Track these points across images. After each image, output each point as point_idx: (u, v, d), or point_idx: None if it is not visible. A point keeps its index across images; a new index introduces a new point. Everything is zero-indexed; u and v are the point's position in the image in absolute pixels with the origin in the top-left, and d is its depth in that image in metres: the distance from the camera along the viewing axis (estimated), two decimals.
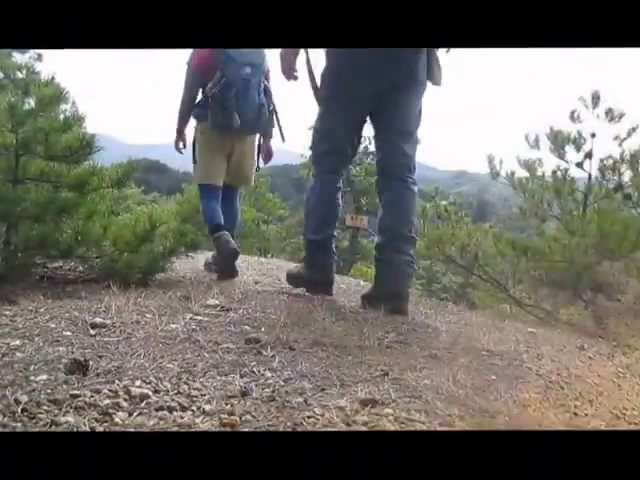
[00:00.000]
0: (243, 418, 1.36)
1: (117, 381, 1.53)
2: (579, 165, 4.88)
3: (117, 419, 1.32)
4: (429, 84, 2.51)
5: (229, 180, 3.70)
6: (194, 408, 1.41)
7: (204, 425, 1.32)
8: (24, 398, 1.36)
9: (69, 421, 1.28)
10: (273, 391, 1.56)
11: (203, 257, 5.58)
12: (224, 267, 3.58)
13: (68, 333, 2.03)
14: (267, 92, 3.24)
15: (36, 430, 1.24)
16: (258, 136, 3.58)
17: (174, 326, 2.22)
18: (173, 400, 1.44)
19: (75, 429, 1.26)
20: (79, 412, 1.34)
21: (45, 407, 1.34)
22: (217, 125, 3.28)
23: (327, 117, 2.55)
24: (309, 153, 15.79)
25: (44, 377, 1.53)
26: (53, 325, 2.14)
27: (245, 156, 3.61)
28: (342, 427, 1.36)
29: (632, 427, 1.53)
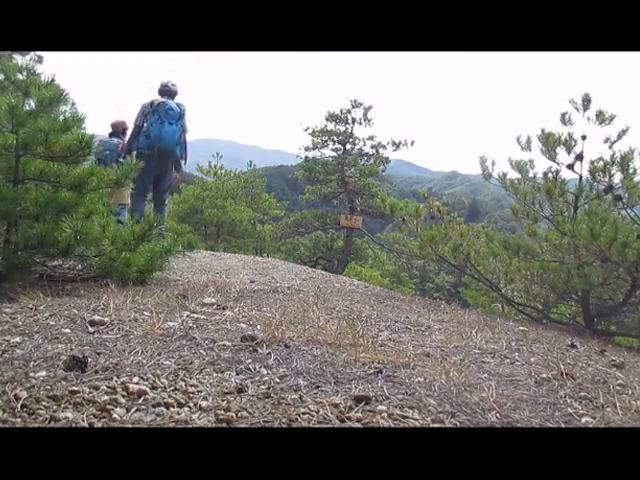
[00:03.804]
0: (239, 414, 1.39)
1: (115, 378, 1.56)
2: (570, 167, 4.90)
3: (115, 415, 1.34)
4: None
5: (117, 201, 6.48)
6: (191, 404, 1.44)
7: (200, 421, 1.34)
8: (24, 394, 1.39)
9: (68, 417, 1.30)
10: (268, 388, 1.59)
11: (200, 256, 5.60)
12: None
13: (67, 330, 2.05)
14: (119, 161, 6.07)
15: (35, 426, 1.26)
16: None
17: (171, 324, 2.25)
18: (170, 397, 1.47)
19: (74, 425, 1.28)
20: (78, 408, 1.36)
21: (44, 403, 1.36)
22: None
23: (139, 182, 5.18)
24: (304, 154, 15.86)
25: (43, 373, 1.55)
26: (52, 322, 2.16)
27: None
28: (336, 423, 1.38)
29: (624, 424, 1.56)
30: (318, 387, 1.62)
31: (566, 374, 2.03)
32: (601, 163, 4.71)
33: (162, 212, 5.72)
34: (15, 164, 3.18)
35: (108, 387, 1.48)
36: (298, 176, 17.02)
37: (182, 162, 5.55)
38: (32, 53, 9.91)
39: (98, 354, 1.77)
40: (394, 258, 19.07)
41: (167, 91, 5.18)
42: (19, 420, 1.28)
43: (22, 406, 1.33)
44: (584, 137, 4.87)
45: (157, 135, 4.97)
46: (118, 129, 6.95)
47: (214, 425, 1.33)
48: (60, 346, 1.84)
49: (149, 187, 5.49)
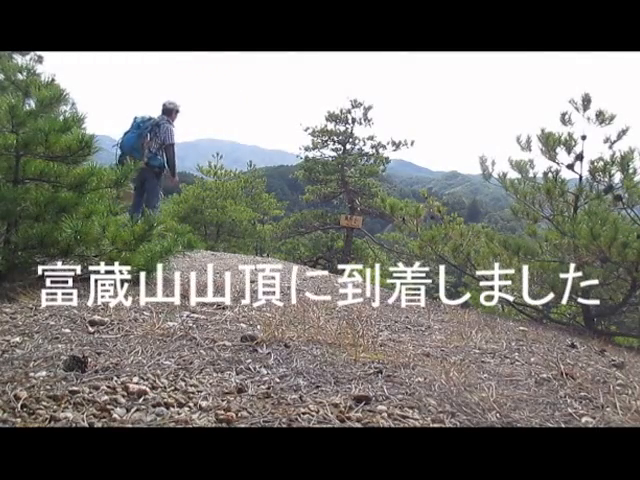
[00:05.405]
0: (239, 414, 1.39)
1: (115, 378, 1.56)
2: (570, 167, 4.90)
3: (115, 415, 1.34)
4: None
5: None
6: (191, 404, 1.44)
7: (200, 421, 1.35)
8: (24, 394, 1.39)
9: (68, 417, 1.31)
10: (268, 388, 1.59)
11: (200, 256, 5.60)
12: None
13: (67, 330, 2.06)
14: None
15: (35, 426, 1.27)
16: None
17: (171, 324, 2.25)
18: (170, 397, 1.47)
19: (74, 425, 1.28)
20: (78, 408, 1.36)
21: (44, 403, 1.37)
22: None
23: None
24: (304, 154, 15.95)
25: (43, 373, 1.55)
26: (52, 322, 2.17)
27: None
28: (336, 423, 1.38)
29: (623, 424, 1.56)
30: (318, 387, 1.62)
31: (566, 374, 2.03)
32: (601, 163, 4.71)
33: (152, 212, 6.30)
34: (15, 164, 3.17)
35: (108, 387, 1.48)
36: (298, 176, 17.01)
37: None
38: (32, 53, 9.92)
39: (98, 354, 1.78)
40: (394, 258, 19.05)
41: (165, 109, 6.22)
42: (19, 420, 1.28)
43: (22, 406, 1.33)
44: (584, 137, 4.86)
45: (119, 143, 6.10)
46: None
47: (214, 425, 1.33)
48: (60, 346, 1.84)
49: (140, 189, 6.33)
